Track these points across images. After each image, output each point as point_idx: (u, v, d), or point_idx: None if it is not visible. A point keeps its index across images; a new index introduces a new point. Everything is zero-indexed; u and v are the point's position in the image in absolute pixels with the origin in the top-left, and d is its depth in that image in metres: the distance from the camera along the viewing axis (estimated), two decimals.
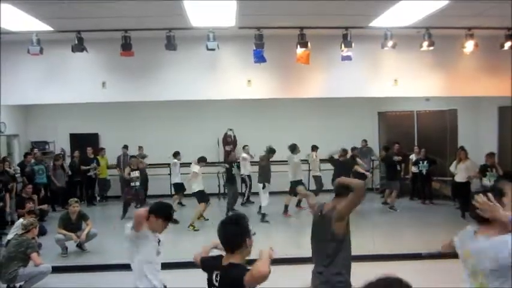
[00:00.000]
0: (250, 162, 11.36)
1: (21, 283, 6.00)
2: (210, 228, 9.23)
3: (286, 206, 10.41)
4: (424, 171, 11.40)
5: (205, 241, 3.38)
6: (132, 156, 11.39)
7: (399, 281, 1.80)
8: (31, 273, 6.00)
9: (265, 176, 10.07)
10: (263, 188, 9.97)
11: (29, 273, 5.99)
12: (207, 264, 2.96)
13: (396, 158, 11.11)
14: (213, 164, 12.58)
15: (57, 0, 6.18)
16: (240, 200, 11.36)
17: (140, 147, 12.50)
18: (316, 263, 3.81)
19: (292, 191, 10.36)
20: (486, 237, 2.73)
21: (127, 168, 10.68)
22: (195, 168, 9.53)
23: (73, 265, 7.25)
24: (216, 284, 2.78)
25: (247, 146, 11.70)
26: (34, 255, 5.97)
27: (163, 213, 3.78)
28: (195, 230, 9.04)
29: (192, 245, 7.53)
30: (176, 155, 10.97)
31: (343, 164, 10.29)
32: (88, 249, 7.90)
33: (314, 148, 11.59)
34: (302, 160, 11.05)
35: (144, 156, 12.20)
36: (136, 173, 10.52)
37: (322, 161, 11.47)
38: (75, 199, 8.03)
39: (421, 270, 6.61)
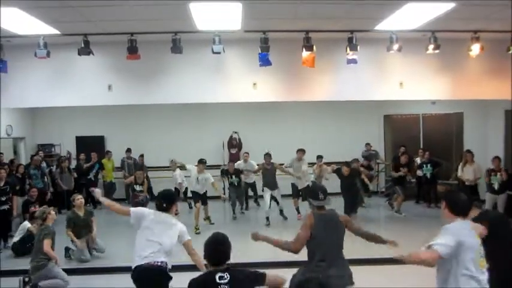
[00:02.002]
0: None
1: (41, 282, 6.02)
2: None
3: (297, 209, 10.45)
4: (428, 175, 11.34)
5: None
6: (140, 168, 11.37)
7: None
8: (54, 274, 6.10)
9: (264, 181, 10.18)
10: (262, 191, 10.11)
11: (56, 273, 6.11)
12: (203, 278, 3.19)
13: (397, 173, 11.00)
14: (218, 166, 12.62)
15: (64, 1, 6.21)
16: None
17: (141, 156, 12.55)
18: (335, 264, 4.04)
19: (295, 194, 10.62)
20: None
21: (131, 178, 10.58)
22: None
23: (77, 268, 7.27)
24: (221, 280, 3.03)
25: (246, 153, 11.67)
26: (45, 241, 6.04)
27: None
28: (197, 233, 9.03)
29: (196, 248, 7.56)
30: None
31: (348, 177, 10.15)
32: (95, 254, 7.86)
33: (318, 158, 11.19)
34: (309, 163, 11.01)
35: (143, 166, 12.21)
36: (142, 187, 10.42)
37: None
38: (78, 193, 8.08)
39: (429, 272, 6.59)
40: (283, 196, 10.47)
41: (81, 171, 12.22)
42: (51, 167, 11.84)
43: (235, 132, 13.29)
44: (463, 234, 3.22)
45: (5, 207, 8.46)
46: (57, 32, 7.61)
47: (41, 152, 12.05)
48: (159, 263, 4.22)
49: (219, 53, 7.80)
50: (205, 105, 10.69)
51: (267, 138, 12.68)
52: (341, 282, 3.95)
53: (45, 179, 10.96)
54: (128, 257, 6.84)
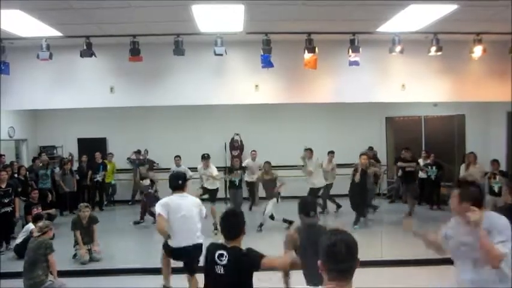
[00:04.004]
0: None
1: None
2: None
3: None
4: (432, 177, 11.32)
5: None
6: (140, 164, 11.37)
7: None
8: None
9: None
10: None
11: None
12: (210, 248, 3.44)
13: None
14: (220, 168, 12.62)
15: (66, 1, 6.22)
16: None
17: (138, 151, 12.57)
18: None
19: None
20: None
21: (137, 177, 10.57)
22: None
23: (80, 269, 7.27)
24: (220, 261, 3.26)
25: (254, 151, 11.66)
26: (52, 255, 5.99)
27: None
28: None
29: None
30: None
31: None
32: (98, 257, 7.76)
33: (329, 153, 11.18)
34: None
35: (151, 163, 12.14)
36: (147, 181, 10.48)
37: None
38: (86, 204, 8.00)
39: (430, 274, 6.58)
40: (293, 198, 10.29)
41: (83, 173, 12.21)
42: (53, 169, 11.84)
43: (237, 134, 13.30)
44: None
45: (8, 209, 8.45)
46: (59, 34, 7.61)
47: (43, 153, 12.06)
48: None
49: (221, 54, 7.80)
50: (207, 107, 10.69)
51: (268, 140, 12.67)
52: None
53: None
54: (129, 258, 6.87)
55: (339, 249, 2.05)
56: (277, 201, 9.64)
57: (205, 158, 9.73)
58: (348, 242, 2.08)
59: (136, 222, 10.23)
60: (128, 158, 12.63)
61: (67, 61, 8.51)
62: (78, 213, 7.76)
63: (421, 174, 11.55)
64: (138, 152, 12.54)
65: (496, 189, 9.15)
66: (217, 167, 10.26)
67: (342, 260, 2.05)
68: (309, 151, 10.47)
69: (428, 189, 11.68)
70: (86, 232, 7.68)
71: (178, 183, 5.39)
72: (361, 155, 10.16)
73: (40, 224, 6.45)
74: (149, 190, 10.41)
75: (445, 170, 11.53)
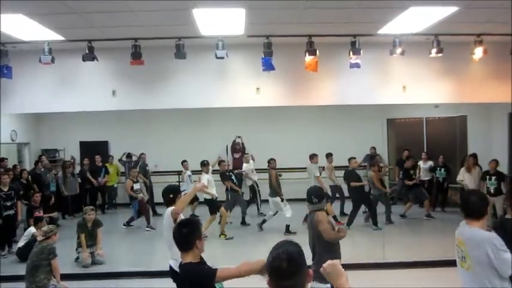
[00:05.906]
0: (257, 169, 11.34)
1: None
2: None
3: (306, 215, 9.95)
4: (440, 179, 11.27)
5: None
6: (133, 167, 11.38)
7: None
8: None
9: (278, 187, 9.50)
10: (281, 201, 9.36)
11: None
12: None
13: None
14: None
15: (68, 5, 6.25)
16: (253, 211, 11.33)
17: (129, 154, 12.58)
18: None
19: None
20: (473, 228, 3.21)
21: (128, 181, 10.42)
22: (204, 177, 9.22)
23: (81, 273, 7.26)
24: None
25: (247, 154, 11.66)
26: (55, 260, 5.93)
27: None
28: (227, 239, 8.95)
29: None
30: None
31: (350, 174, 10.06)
32: (101, 260, 7.72)
33: (328, 156, 10.92)
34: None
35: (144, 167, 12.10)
36: (138, 185, 10.38)
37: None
38: (91, 207, 8.01)
39: (431, 277, 6.58)
40: (294, 200, 10.30)
41: (86, 176, 12.22)
42: (56, 172, 11.85)
43: (239, 137, 13.29)
44: None
45: (11, 212, 8.43)
46: (61, 38, 7.66)
47: (43, 156, 12.06)
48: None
49: (222, 58, 7.84)
50: (209, 110, 10.69)
51: (270, 142, 12.64)
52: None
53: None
54: (131, 262, 6.85)
55: (280, 264, 1.82)
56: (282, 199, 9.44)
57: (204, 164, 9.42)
58: (290, 256, 1.84)
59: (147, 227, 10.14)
60: (120, 160, 12.63)
61: (69, 65, 8.56)
62: (84, 216, 7.75)
63: (428, 176, 11.41)
64: (129, 155, 12.52)
65: (492, 190, 9.03)
66: (218, 171, 10.20)
67: (284, 277, 1.81)
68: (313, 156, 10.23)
69: (433, 191, 11.57)
70: (90, 235, 7.67)
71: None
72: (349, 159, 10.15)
73: (44, 228, 6.37)
74: (138, 194, 10.26)
75: (451, 172, 11.44)
